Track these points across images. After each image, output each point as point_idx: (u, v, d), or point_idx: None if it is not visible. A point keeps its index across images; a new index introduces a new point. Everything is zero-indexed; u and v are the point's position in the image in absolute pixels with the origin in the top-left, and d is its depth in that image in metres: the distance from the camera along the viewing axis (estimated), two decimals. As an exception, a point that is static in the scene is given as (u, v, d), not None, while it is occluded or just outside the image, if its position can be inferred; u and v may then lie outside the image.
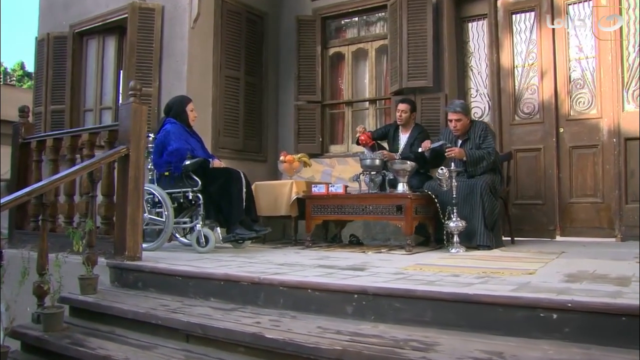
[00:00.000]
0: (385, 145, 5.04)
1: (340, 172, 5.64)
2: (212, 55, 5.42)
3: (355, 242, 4.74)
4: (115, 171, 3.27)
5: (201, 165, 3.93)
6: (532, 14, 5.06)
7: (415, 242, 4.71)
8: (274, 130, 6.26)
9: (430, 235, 4.30)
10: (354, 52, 6.00)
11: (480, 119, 5.28)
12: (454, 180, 3.92)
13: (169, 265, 3.00)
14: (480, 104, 5.37)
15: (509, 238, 4.51)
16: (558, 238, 4.87)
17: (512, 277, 2.56)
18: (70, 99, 6.06)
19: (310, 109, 6.00)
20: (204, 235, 3.83)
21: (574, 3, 4.83)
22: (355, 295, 2.29)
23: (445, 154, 4.18)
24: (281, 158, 4.85)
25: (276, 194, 4.60)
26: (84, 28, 6.10)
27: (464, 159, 4.13)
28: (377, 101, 5.89)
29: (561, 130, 4.91)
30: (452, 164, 4.01)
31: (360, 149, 5.56)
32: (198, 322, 2.30)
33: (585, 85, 4.81)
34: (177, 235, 4.36)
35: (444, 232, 4.04)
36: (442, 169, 3.90)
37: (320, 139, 5.96)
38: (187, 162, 3.87)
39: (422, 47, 5.15)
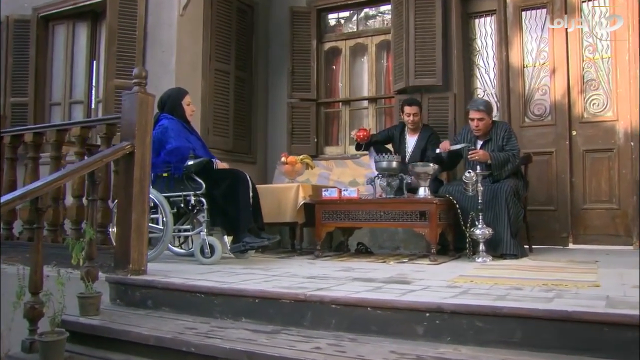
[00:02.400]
0: (390, 148, 4.85)
1: (338, 176, 5.42)
2: (201, 46, 5.10)
3: (364, 251, 4.51)
4: (114, 172, 2.92)
5: (205, 167, 3.61)
6: (544, 10, 5.01)
7: (427, 250, 4.56)
8: (263, 130, 5.97)
9: (449, 244, 4.13)
10: (352, 48, 5.81)
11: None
12: (479, 185, 3.78)
13: (187, 281, 2.68)
14: (487, 105, 5.27)
15: (527, 246, 4.41)
16: (571, 246, 4.82)
17: (580, 289, 2.41)
18: (35, 90, 5.58)
19: (304, 108, 5.75)
20: (209, 245, 3.50)
21: (589, 0, 4.81)
22: (427, 314, 2.07)
23: (469, 156, 4.02)
24: (282, 159, 4.57)
25: (279, 198, 4.32)
26: (51, 12, 5.65)
27: (488, 161, 3.99)
28: (377, 100, 5.71)
29: (574, 132, 4.87)
30: (478, 167, 3.86)
31: (361, 151, 5.41)
32: (244, 349, 2.01)
33: (600, 86, 4.79)
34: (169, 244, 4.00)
35: (466, 240, 3.90)
36: (469, 172, 3.74)
37: (316, 140, 5.72)
38: (191, 162, 3.54)
39: (430, 42, 5.02)
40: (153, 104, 2.97)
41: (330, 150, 5.81)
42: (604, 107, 4.78)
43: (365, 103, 5.78)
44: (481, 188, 3.78)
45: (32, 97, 5.56)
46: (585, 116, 4.85)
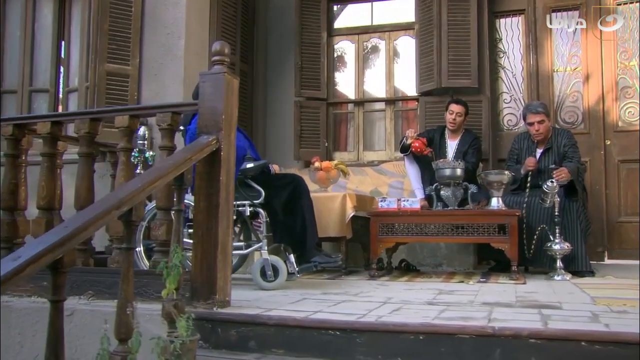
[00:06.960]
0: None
1: (357, 185, 5.07)
2: (208, 31, 4.57)
3: (406, 268, 4.20)
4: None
5: (262, 171, 3.14)
6: (576, 12, 5.04)
7: (474, 267, 4.36)
8: (263, 131, 5.50)
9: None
10: (367, 43, 5.53)
11: (515, 128, 5.14)
12: (556, 196, 3.63)
13: (311, 315, 2.22)
14: (515, 112, 5.21)
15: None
16: (606, 261, 4.82)
17: None
18: (-18, 76, 4.72)
19: (313, 108, 5.37)
20: (272, 265, 3.03)
21: (625, 3, 4.88)
22: (663, 348, 1.81)
23: (555, 177, 3.68)
24: (316, 165, 4.15)
25: (320, 209, 3.88)
26: (2, -21, 4.83)
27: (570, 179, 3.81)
28: (395, 102, 5.46)
29: (608, 142, 4.91)
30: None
31: (373, 157, 5.35)
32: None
33: (635, 94, 4.88)
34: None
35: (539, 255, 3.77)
36: (551, 182, 3.58)
37: (326, 144, 5.36)
38: (250, 165, 3.05)
39: (464, 41, 4.87)
40: (238, 89, 2.49)
41: (339, 156, 5.45)
42: (640, 115, 4.87)
43: (381, 105, 5.50)
44: (558, 199, 3.63)
45: (-21, 83, 4.71)
46: (620, 125, 4.91)
